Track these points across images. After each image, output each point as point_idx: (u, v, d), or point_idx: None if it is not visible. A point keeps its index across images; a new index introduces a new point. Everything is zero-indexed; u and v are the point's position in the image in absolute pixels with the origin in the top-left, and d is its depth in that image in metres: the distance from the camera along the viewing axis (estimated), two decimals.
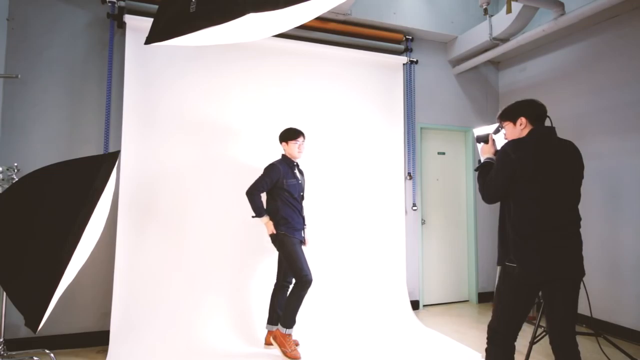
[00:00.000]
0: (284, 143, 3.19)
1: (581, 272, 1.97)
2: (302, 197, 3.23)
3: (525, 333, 3.63)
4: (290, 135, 3.17)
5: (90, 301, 3.30)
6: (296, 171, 3.19)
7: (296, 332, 3.18)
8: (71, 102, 3.38)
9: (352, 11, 4.10)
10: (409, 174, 4.50)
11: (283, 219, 3.03)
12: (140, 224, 3.34)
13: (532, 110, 2.05)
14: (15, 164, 2.91)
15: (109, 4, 3.42)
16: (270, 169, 3.08)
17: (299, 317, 3.06)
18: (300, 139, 3.16)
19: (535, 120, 2.05)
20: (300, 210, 3.15)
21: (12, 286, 1.59)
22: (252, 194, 3.01)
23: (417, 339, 3.51)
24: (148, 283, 3.30)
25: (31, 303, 1.55)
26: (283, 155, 3.22)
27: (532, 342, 2.92)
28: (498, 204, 2.19)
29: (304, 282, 2.92)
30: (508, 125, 2.13)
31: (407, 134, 4.52)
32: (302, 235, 3.15)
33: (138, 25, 3.37)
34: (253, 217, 3.05)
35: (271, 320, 3.12)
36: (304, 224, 3.19)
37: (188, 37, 1.34)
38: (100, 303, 3.29)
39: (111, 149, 3.40)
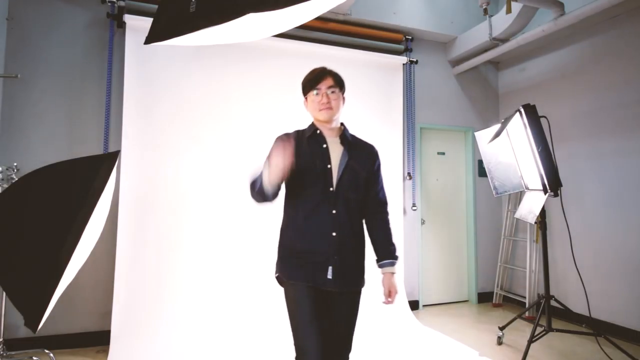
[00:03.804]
0: (305, 103, 1.85)
1: None
2: (336, 195, 1.67)
3: (525, 333, 3.63)
4: (305, 85, 1.80)
5: (90, 301, 3.29)
6: (325, 145, 1.73)
7: None
8: (71, 102, 3.37)
9: (352, 11, 4.10)
10: (409, 174, 4.50)
11: (280, 245, 1.83)
12: (141, 224, 3.34)
13: None
14: (15, 164, 2.91)
15: (109, 4, 3.42)
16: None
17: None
18: (323, 86, 1.72)
19: None
20: (324, 223, 1.66)
21: (11, 286, 1.58)
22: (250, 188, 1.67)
23: (416, 339, 3.51)
24: (148, 283, 3.30)
25: (31, 303, 1.55)
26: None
27: (531, 341, 2.93)
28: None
29: None
30: None
31: (406, 134, 4.52)
32: (322, 276, 1.65)
33: (138, 25, 3.37)
34: (257, 192, 1.62)
35: None
36: (333, 253, 1.66)
37: (188, 37, 1.34)
38: (100, 303, 3.29)
39: (111, 149, 3.40)
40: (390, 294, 1.88)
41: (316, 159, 1.71)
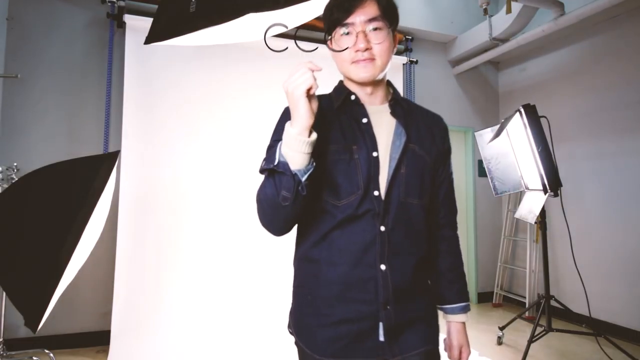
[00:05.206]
0: (329, 44, 1.12)
1: None
2: (386, 202, 0.99)
3: (525, 333, 3.63)
4: (327, 15, 1.07)
5: (90, 301, 3.29)
6: (366, 119, 1.06)
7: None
8: (71, 101, 3.37)
9: None
10: None
11: (299, 288, 1.08)
12: (141, 224, 3.33)
13: None
14: (15, 164, 2.91)
15: (109, 4, 3.42)
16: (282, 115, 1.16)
17: None
18: (358, 18, 1.01)
19: None
20: (365, 250, 0.98)
21: (11, 286, 1.59)
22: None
23: None
24: (148, 283, 3.30)
25: (31, 303, 1.55)
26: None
27: (531, 341, 2.93)
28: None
29: None
30: None
31: None
32: (371, 342, 0.98)
33: (138, 25, 3.36)
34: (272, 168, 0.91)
35: None
36: (385, 301, 0.97)
37: (188, 37, 1.34)
38: (100, 303, 3.29)
39: (111, 149, 3.40)
40: (461, 355, 1.14)
41: (352, 143, 1.01)
